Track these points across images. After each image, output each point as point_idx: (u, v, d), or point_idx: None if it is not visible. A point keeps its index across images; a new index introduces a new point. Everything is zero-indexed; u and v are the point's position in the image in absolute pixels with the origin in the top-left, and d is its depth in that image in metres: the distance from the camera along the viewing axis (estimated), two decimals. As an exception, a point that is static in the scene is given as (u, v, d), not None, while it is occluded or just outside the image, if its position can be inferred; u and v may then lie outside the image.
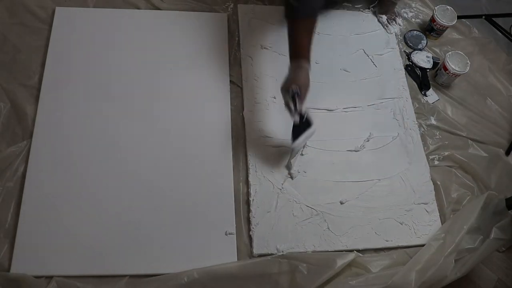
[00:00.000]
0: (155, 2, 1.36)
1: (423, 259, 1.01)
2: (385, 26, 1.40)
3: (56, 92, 1.17)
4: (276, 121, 1.21)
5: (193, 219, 1.06)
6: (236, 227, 1.06)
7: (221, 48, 1.31)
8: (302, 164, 1.16)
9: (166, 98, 1.21)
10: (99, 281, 0.96)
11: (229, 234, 1.05)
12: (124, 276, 0.97)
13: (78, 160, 1.09)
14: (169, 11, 1.35)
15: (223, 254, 1.02)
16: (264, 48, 1.34)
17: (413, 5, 1.56)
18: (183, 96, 1.22)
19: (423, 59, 1.42)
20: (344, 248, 1.07)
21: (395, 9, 1.48)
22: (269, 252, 1.04)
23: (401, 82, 1.36)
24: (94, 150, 1.11)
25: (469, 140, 1.31)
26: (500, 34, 1.48)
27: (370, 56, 1.39)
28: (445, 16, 1.42)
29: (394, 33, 1.45)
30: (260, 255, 1.04)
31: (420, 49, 1.45)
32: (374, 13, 1.47)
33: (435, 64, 1.42)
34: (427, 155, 1.25)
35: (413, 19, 1.53)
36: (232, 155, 1.16)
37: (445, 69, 1.33)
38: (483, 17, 1.47)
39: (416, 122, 1.29)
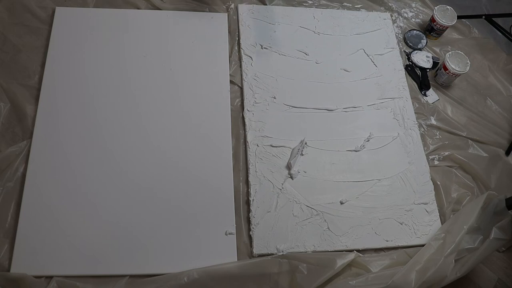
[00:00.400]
0: (155, 2, 1.36)
1: (423, 259, 1.01)
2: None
3: (56, 92, 1.17)
4: (276, 121, 1.22)
5: (193, 219, 1.06)
6: (236, 227, 1.06)
7: (221, 48, 1.31)
8: (302, 164, 1.16)
9: (166, 98, 1.21)
10: (99, 281, 0.96)
11: (229, 234, 1.05)
12: (124, 276, 0.97)
13: (78, 160, 1.09)
14: (169, 11, 1.35)
15: (223, 254, 1.02)
16: (264, 48, 1.34)
17: (413, 5, 1.56)
18: (183, 96, 1.22)
19: (423, 59, 1.42)
20: (344, 248, 1.07)
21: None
22: (269, 252, 1.04)
23: (401, 82, 1.36)
24: (94, 150, 1.11)
25: (469, 140, 1.31)
26: (500, 34, 1.48)
27: (370, 56, 1.39)
28: (445, 16, 1.42)
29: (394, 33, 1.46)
30: (260, 255, 1.04)
31: (420, 49, 1.45)
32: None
33: (435, 64, 1.42)
34: (427, 155, 1.25)
35: (413, 19, 1.53)
36: (232, 155, 1.16)
37: (445, 69, 1.33)
38: (483, 17, 1.47)
39: (416, 122, 1.29)
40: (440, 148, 1.27)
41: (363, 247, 1.08)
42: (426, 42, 1.46)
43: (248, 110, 1.22)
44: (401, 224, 1.12)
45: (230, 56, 1.31)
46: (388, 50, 1.42)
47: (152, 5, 1.36)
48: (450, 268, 0.99)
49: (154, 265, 0.99)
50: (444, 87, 1.40)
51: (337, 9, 1.48)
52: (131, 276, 0.98)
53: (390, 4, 1.54)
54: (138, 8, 1.35)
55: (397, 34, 1.47)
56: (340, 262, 1.00)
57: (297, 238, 1.07)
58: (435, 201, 1.18)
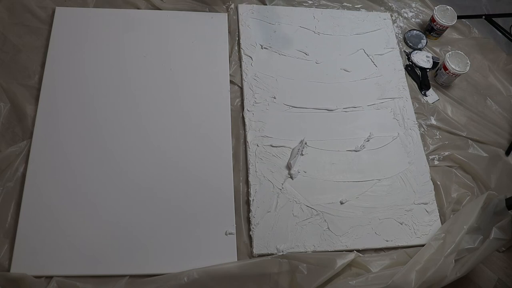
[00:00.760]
0: (155, 2, 1.36)
1: (423, 259, 1.01)
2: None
3: (56, 92, 1.17)
4: (276, 121, 1.22)
5: (193, 219, 1.06)
6: (236, 227, 1.06)
7: (221, 48, 1.31)
8: (302, 164, 1.16)
9: (166, 98, 1.21)
10: (99, 281, 0.96)
11: (229, 234, 1.05)
12: (124, 276, 0.97)
13: (78, 160, 1.09)
14: (169, 11, 1.35)
15: (223, 254, 1.02)
16: (264, 48, 1.34)
17: (413, 5, 1.56)
18: (183, 96, 1.22)
19: (423, 59, 1.42)
20: (344, 248, 1.07)
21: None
22: (269, 252, 1.04)
23: (401, 82, 1.36)
24: (94, 150, 1.11)
25: (469, 140, 1.31)
26: (500, 34, 1.48)
27: (370, 56, 1.39)
28: (445, 16, 1.42)
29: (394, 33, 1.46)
30: (260, 255, 1.04)
31: (420, 49, 1.45)
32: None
33: (435, 64, 1.42)
34: (427, 155, 1.25)
35: (413, 19, 1.53)
36: (232, 155, 1.16)
37: (445, 69, 1.33)
38: (483, 17, 1.47)
39: (416, 122, 1.29)
40: (440, 148, 1.27)
41: (363, 247, 1.08)
42: (426, 42, 1.46)
43: (248, 110, 1.22)
44: (401, 224, 1.12)
45: (230, 56, 1.31)
46: (388, 50, 1.42)
47: (152, 5, 1.36)
48: (450, 268, 0.99)
49: (154, 265, 0.99)
50: (444, 87, 1.40)
51: (337, 9, 1.48)
52: (131, 276, 0.98)
53: (390, 4, 1.54)
54: (138, 8, 1.35)
55: (397, 34, 1.47)
56: (340, 262, 1.00)
57: (297, 238, 1.07)
58: (435, 201, 1.18)
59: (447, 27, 1.43)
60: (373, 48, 1.40)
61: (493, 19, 1.46)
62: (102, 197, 1.05)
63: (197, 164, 1.13)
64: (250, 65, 1.30)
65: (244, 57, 1.31)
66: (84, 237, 1.00)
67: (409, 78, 1.39)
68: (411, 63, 1.42)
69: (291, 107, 1.25)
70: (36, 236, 0.99)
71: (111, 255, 0.99)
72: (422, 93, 1.37)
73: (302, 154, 1.18)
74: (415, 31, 1.48)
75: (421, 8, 1.56)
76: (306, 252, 1.05)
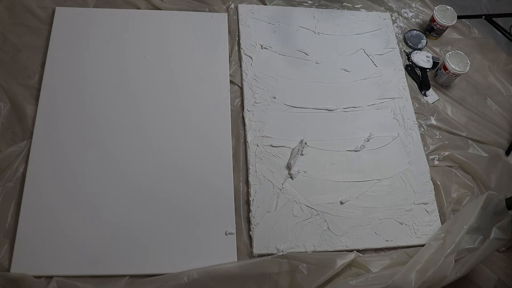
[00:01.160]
0: (155, 2, 1.36)
1: (423, 259, 1.01)
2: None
3: (56, 92, 1.17)
4: (276, 121, 1.22)
5: (193, 219, 1.06)
6: (236, 227, 1.06)
7: (221, 48, 1.31)
8: (302, 164, 1.16)
9: (166, 98, 1.21)
10: (99, 281, 0.96)
11: (229, 234, 1.05)
12: (124, 276, 0.97)
13: (78, 160, 1.09)
14: (169, 11, 1.35)
15: (223, 254, 1.02)
16: (264, 48, 1.34)
17: (413, 5, 1.56)
18: (183, 96, 1.22)
19: (423, 59, 1.42)
20: (344, 248, 1.07)
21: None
22: (269, 252, 1.04)
23: (401, 82, 1.36)
24: (94, 150, 1.11)
25: (469, 140, 1.31)
26: (500, 34, 1.48)
27: (370, 56, 1.39)
28: (445, 16, 1.42)
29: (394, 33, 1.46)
30: (260, 255, 1.04)
31: (420, 49, 1.45)
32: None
33: (435, 64, 1.42)
34: (427, 155, 1.25)
35: (413, 19, 1.53)
36: (232, 155, 1.16)
37: (445, 69, 1.33)
38: (483, 17, 1.47)
39: (416, 122, 1.29)
40: (440, 148, 1.27)
41: (363, 247, 1.08)
42: (426, 42, 1.46)
43: (248, 110, 1.22)
44: (401, 224, 1.12)
45: (230, 56, 1.31)
46: (388, 50, 1.42)
47: (152, 5, 1.36)
48: (450, 268, 0.99)
49: (154, 265, 0.99)
50: (444, 87, 1.40)
51: (337, 9, 1.48)
52: (131, 276, 0.98)
53: (390, 4, 1.54)
54: (138, 8, 1.35)
55: (397, 34, 1.47)
56: (340, 262, 1.00)
57: (297, 238, 1.07)
58: (435, 201, 1.18)
59: (447, 27, 1.43)
60: (373, 48, 1.40)
61: (493, 19, 1.46)
62: (102, 197, 1.05)
63: (197, 164, 1.13)
64: (250, 65, 1.30)
65: (244, 57, 1.31)
66: (84, 237, 1.00)
67: (409, 78, 1.39)
68: (411, 63, 1.42)
69: (291, 107, 1.25)
70: (36, 236, 0.99)
71: (111, 255, 0.99)
72: (422, 93, 1.37)
73: (302, 154, 1.18)
74: (415, 31, 1.48)
75: (421, 8, 1.56)
76: (306, 252, 1.05)
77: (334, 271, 0.99)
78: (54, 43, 1.24)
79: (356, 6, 1.50)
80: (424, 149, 1.25)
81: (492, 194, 1.14)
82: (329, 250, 1.06)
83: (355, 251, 1.05)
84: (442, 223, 1.14)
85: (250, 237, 1.06)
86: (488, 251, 1.03)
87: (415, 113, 1.31)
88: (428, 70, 1.41)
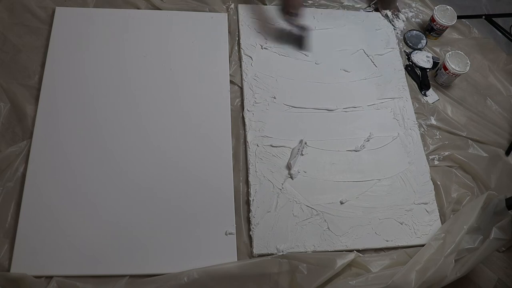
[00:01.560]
0: (155, 2, 1.36)
1: (423, 259, 1.01)
2: (391, 21, 1.41)
3: (56, 92, 1.17)
4: (276, 121, 1.22)
5: (193, 219, 1.06)
6: (236, 227, 1.06)
7: (221, 48, 1.31)
8: (302, 164, 1.16)
9: (166, 98, 1.21)
10: (99, 281, 0.96)
11: (229, 234, 1.05)
12: (124, 276, 0.97)
13: (78, 160, 1.09)
14: (169, 11, 1.35)
15: (223, 254, 1.02)
16: (264, 48, 1.34)
17: (413, 5, 1.56)
18: (183, 96, 1.22)
19: (423, 59, 1.42)
20: (344, 248, 1.07)
21: (397, 4, 1.48)
22: (269, 252, 1.04)
23: (401, 82, 1.36)
24: (94, 150, 1.11)
25: (469, 140, 1.31)
26: (500, 34, 1.48)
27: (370, 56, 1.39)
28: (445, 16, 1.42)
29: (398, 28, 1.46)
30: (260, 255, 1.04)
31: (420, 49, 1.45)
32: (377, 9, 1.48)
33: (435, 64, 1.42)
34: (427, 155, 1.25)
35: (413, 19, 1.53)
36: (232, 155, 1.16)
37: (445, 69, 1.33)
38: (483, 17, 1.48)
39: (416, 122, 1.29)
40: (440, 148, 1.27)
41: (363, 247, 1.08)
42: (426, 42, 1.46)
43: (248, 110, 1.22)
44: (401, 224, 1.12)
45: (230, 56, 1.31)
46: (388, 50, 1.42)
47: (152, 5, 1.36)
48: (450, 268, 0.99)
49: (154, 265, 1.00)
50: (444, 87, 1.40)
51: (337, 9, 1.49)
52: (131, 276, 0.98)
53: (390, 4, 1.54)
54: (138, 8, 1.35)
55: (397, 34, 1.47)
56: (340, 262, 1.00)
57: (297, 238, 1.07)
58: (435, 201, 1.18)
59: (447, 27, 1.43)
60: (373, 48, 1.40)
61: (493, 19, 1.46)
62: (102, 197, 1.05)
63: (197, 164, 1.13)
64: (250, 65, 1.30)
65: (244, 57, 1.31)
66: (84, 237, 1.00)
67: (409, 78, 1.39)
68: (411, 63, 1.42)
69: (291, 107, 1.25)
70: (36, 236, 0.99)
71: (111, 255, 0.99)
72: (422, 93, 1.37)
73: (302, 154, 1.18)
74: (415, 32, 1.48)
75: (421, 8, 1.56)
76: (306, 252, 1.05)
77: (334, 271, 0.99)
78: (54, 43, 1.24)
79: (356, 6, 1.50)
80: (424, 149, 1.26)
81: (492, 194, 1.14)
82: (329, 250, 1.06)
83: (355, 251, 1.05)
84: (442, 223, 1.14)
85: (250, 237, 1.06)
86: (488, 251, 1.03)
87: (415, 113, 1.31)
88: (428, 70, 1.41)
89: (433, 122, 1.32)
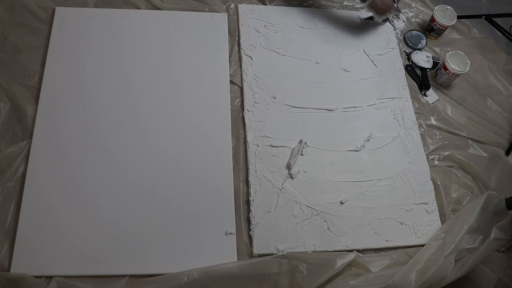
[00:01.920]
0: (155, 2, 1.36)
1: (423, 259, 1.01)
2: (391, 21, 1.42)
3: (56, 92, 1.17)
4: (276, 121, 1.22)
5: (193, 219, 1.06)
6: (236, 227, 1.06)
7: (221, 48, 1.31)
8: (302, 164, 1.16)
9: (166, 98, 1.21)
10: (99, 281, 0.96)
11: (229, 234, 1.05)
12: (124, 276, 0.97)
13: (78, 160, 1.09)
14: (169, 11, 1.35)
15: (223, 254, 1.02)
16: (264, 48, 1.34)
17: (413, 5, 1.56)
18: (183, 96, 1.22)
19: (423, 59, 1.42)
20: (344, 248, 1.07)
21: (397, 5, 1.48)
22: (269, 252, 1.04)
23: (401, 82, 1.36)
24: (94, 150, 1.11)
25: (469, 140, 1.31)
26: (500, 34, 1.48)
27: (370, 56, 1.39)
28: (445, 16, 1.42)
29: (398, 28, 1.46)
30: (260, 255, 1.04)
31: (420, 49, 1.45)
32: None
33: (435, 64, 1.42)
34: (427, 155, 1.25)
35: (413, 19, 1.53)
36: (232, 155, 1.16)
37: (445, 69, 1.33)
38: (483, 17, 1.47)
39: (416, 122, 1.29)
40: (440, 148, 1.27)
41: (363, 247, 1.08)
42: (426, 42, 1.46)
43: (248, 110, 1.22)
44: (401, 224, 1.12)
45: (230, 56, 1.31)
46: (388, 50, 1.42)
47: (152, 5, 1.36)
48: (450, 268, 0.99)
49: (154, 265, 0.99)
50: (444, 87, 1.40)
51: (337, 9, 1.48)
52: (131, 276, 0.98)
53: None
54: (138, 8, 1.35)
55: (397, 34, 1.47)
56: (340, 262, 1.00)
57: (297, 238, 1.07)
58: (435, 201, 1.18)
59: (447, 27, 1.43)
60: (373, 48, 1.40)
61: (493, 19, 1.46)
62: (102, 197, 1.05)
63: (197, 164, 1.13)
64: (250, 65, 1.30)
65: (244, 57, 1.31)
66: (84, 237, 1.00)
67: (409, 78, 1.39)
68: (411, 63, 1.42)
69: (291, 107, 1.25)
70: (36, 236, 0.99)
71: (111, 255, 0.99)
72: (422, 93, 1.37)
73: (302, 154, 1.18)
74: (415, 32, 1.48)
75: (421, 8, 1.56)
76: (306, 252, 1.05)
77: (334, 271, 0.99)
78: (54, 43, 1.24)
79: (356, 6, 1.50)
80: (424, 149, 1.25)
81: (492, 194, 1.14)
82: (329, 250, 1.06)
83: (355, 251, 1.05)
84: (442, 223, 1.14)
85: (250, 237, 1.06)
86: (488, 251, 1.03)
87: (415, 113, 1.31)
88: (428, 70, 1.41)
89: (433, 122, 1.32)
